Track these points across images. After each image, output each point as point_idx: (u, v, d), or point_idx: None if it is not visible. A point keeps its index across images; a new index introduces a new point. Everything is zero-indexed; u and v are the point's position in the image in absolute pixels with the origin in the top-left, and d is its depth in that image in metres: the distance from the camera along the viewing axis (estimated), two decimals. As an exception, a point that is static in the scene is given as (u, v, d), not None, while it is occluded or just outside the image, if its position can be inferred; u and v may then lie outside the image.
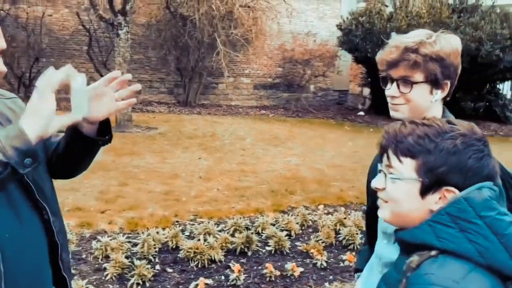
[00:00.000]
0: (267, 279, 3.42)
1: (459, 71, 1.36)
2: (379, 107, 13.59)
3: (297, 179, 6.10)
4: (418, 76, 1.31)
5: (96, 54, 11.18)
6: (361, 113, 13.89)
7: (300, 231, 4.29)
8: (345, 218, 4.44)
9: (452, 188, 0.93)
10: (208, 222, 4.19)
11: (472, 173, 0.92)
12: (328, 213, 4.79)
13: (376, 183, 1.03)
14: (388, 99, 1.39)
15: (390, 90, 1.36)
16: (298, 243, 4.04)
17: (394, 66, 1.33)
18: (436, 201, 0.95)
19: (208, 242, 3.72)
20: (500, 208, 0.91)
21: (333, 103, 15.58)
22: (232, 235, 3.96)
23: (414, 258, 0.92)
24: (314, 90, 15.12)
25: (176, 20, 11.94)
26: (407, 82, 1.32)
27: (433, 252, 0.90)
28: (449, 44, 1.32)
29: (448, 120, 0.99)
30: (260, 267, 3.58)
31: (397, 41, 1.34)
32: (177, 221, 4.38)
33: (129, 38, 8.75)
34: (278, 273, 3.48)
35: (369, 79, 14.08)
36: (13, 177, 0.91)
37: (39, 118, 0.91)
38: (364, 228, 4.23)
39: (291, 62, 13.84)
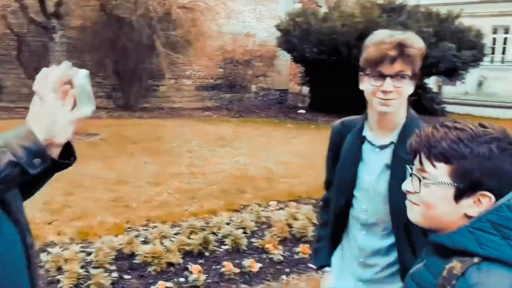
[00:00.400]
0: (227, 277, 3.47)
1: None
2: (318, 105, 14.08)
3: (247, 178, 6.19)
4: (409, 71, 1.41)
5: (27, 59, 10.58)
6: (302, 111, 14.29)
7: (255, 228, 4.38)
8: (296, 212, 4.59)
9: (487, 193, 0.93)
10: (163, 226, 4.15)
11: (507, 177, 0.92)
12: (280, 209, 4.92)
13: (408, 186, 1.03)
14: (379, 95, 1.42)
15: (385, 85, 1.40)
16: (253, 240, 4.13)
17: (392, 61, 1.38)
18: (470, 205, 0.95)
19: (164, 245, 3.69)
20: None
21: (274, 102, 15.89)
22: (188, 237, 3.95)
23: (456, 264, 0.92)
24: (255, 90, 15.33)
25: (112, 22, 11.60)
26: (404, 76, 1.40)
27: (476, 259, 0.90)
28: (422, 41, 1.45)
29: (480, 123, 0.98)
30: (218, 266, 3.62)
31: (388, 37, 1.40)
32: (130, 228, 4.29)
33: (64, 41, 8.38)
34: (237, 270, 3.54)
35: (307, 78, 14.54)
36: (22, 177, 0.89)
37: (42, 122, 0.90)
38: (315, 221, 4.42)
39: (232, 63, 13.95)
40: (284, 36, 13.02)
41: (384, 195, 1.47)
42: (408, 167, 1.06)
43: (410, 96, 1.48)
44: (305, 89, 15.44)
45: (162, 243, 3.74)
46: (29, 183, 1.18)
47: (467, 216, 0.95)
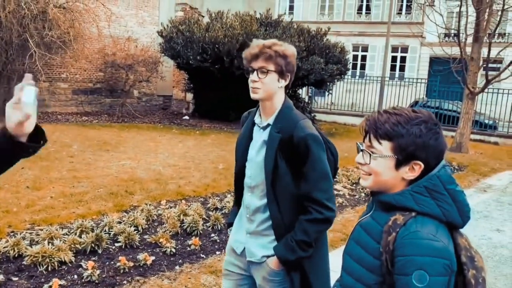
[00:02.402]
0: (121, 271, 3.57)
1: (295, 70, 1.91)
2: (202, 111, 14.47)
3: (135, 181, 6.24)
4: (271, 67, 1.82)
5: None
6: (186, 117, 14.53)
7: (147, 225, 4.52)
8: (187, 209, 4.84)
9: (419, 162, 1.24)
10: (50, 227, 4.06)
11: (432, 149, 1.24)
12: (170, 207, 5.12)
13: (359, 159, 1.33)
14: (250, 84, 1.86)
15: (252, 76, 1.84)
16: (146, 236, 4.27)
17: (256, 58, 1.82)
18: (406, 171, 1.26)
19: (54, 245, 3.65)
20: (456, 181, 1.26)
21: (158, 108, 15.83)
22: (80, 237, 3.95)
23: (399, 217, 1.23)
24: (138, 95, 15.11)
25: (-26, 17, 10.48)
26: (263, 71, 1.82)
27: (413, 214, 1.22)
28: (290, 48, 1.87)
29: (412, 109, 1.29)
30: (112, 262, 3.70)
31: (258, 42, 1.85)
32: (12, 232, 4.11)
33: None
34: (131, 264, 3.67)
35: (191, 85, 14.83)
36: None
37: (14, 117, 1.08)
38: (205, 216, 4.74)
39: (113, 67, 13.58)
40: (167, 42, 13.13)
41: (261, 164, 1.88)
42: (359, 144, 1.36)
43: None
44: (189, 96, 15.70)
45: (51, 243, 3.70)
46: None
47: (403, 179, 1.27)
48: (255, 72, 1.83)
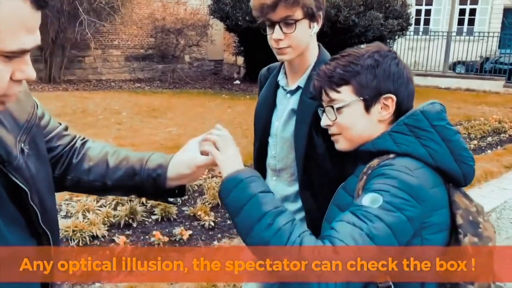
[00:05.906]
0: (156, 246, 3.36)
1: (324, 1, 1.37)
2: (253, 75, 14.02)
3: (179, 148, 6.01)
4: (298, 14, 1.28)
5: None
6: (237, 81, 14.18)
7: (186, 196, 4.27)
8: (229, 179, 4.54)
9: (389, 95, 1.07)
10: (86, 200, 3.92)
11: (397, 76, 1.07)
12: (212, 176, 4.84)
13: (325, 121, 1.13)
14: (273, 44, 1.34)
15: (275, 34, 1.30)
16: (184, 208, 4.03)
17: (273, 8, 1.27)
18: (379, 111, 1.08)
19: (88, 218, 3.50)
20: (448, 119, 1.05)
21: (209, 73, 15.61)
22: (115, 209, 3.78)
23: (375, 161, 1.04)
24: (189, 60, 14.93)
25: (27, -14, 10.61)
26: (290, 22, 1.28)
27: (391, 155, 1.02)
28: None
29: (359, 46, 1.13)
30: (147, 236, 3.50)
31: None
32: (51, 203, 4.02)
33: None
34: (166, 239, 3.44)
35: (242, 48, 14.37)
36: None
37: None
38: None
39: (163, 32, 13.41)
40: (215, 3, 12.69)
41: (290, 141, 1.40)
42: (319, 110, 1.17)
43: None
44: (240, 60, 15.30)
45: (85, 217, 3.54)
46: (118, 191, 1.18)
47: (381, 121, 1.08)
48: (277, 26, 1.29)
